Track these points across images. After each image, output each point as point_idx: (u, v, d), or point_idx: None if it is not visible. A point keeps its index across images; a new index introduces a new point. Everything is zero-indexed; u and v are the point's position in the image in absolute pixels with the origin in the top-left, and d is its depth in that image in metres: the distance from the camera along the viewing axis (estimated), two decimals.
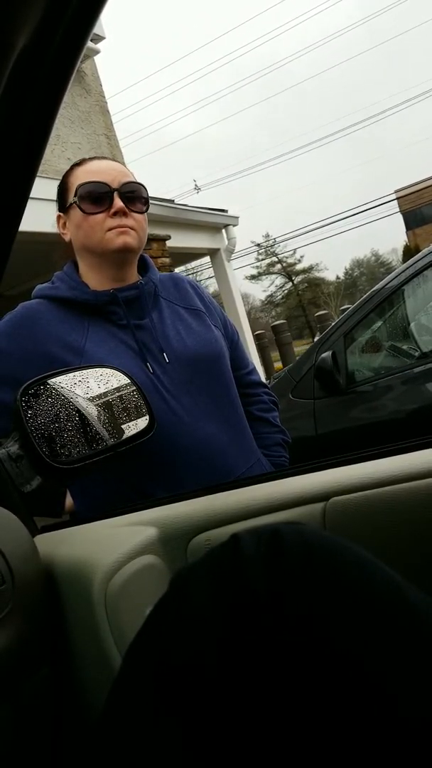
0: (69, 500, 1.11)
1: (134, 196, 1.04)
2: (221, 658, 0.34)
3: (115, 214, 1.01)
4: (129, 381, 0.79)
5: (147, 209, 1.07)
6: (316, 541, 0.38)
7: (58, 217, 1.09)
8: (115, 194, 1.01)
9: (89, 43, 0.42)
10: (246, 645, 0.34)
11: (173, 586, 0.41)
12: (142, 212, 1.05)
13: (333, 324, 2.72)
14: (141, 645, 0.40)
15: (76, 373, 0.74)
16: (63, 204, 1.07)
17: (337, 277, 44.56)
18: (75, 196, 1.02)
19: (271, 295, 39.75)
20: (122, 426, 0.74)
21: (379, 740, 0.29)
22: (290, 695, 0.32)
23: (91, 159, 1.08)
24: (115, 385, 0.77)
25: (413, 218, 30.87)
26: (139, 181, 1.06)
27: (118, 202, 1.01)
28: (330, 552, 0.37)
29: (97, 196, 1.01)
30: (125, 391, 0.77)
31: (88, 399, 0.72)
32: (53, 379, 0.70)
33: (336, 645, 0.32)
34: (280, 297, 39.66)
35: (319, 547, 0.37)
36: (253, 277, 37.94)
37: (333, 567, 0.36)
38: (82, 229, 1.03)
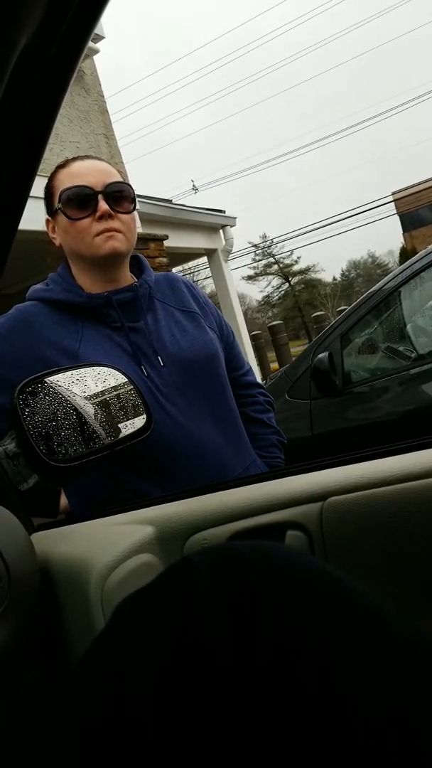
0: (64, 500, 1.11)
1: (120, 196, 1.01)
2: (157, 717, 0.30)
3: (101, 217, 0.99)
4: (126, 380, 0.78)
5: (134, 208, 1.05)
6: (283, 564, 0.34)
7: (47, 221, 1.07)
8: (99, 197, 0.99)
9: (89, 43, 0.42)
10: (195, 698, 0.30)
11: (116, 617, 0.37)
12: (129, 212, 1.03)
13: (330, 325, 2.73)
14: (77, 690, 0.36)
15: (74, 371, 0.74)
16: (50, 208, 1.05)
17: (334, 279, 44.71)
18: (59, 202, 1.00)
19: (267, 296, 39.89)
20: (119, 425, 0.74)
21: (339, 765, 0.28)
22: (253, 734, 0.29)
23: (73, 160, 1.05)
24: (113, 384, 0.77)
25: (410, 220, 30.93)
26: (123, 179, 1.04)
27: (103, 205, 0.99)
28: (301, 574, 0.34)
29: (81, 201, 0.99)
30: (122, 390, 0.77)
31: (86, 397, 0.72)
32: (51, 378, 0.70)
33: (310, 684, 0.29)
34: (276, 298, 39.78)
35: (288, 570, 0.34)
36: (250, 278, 38.03)
37: (307, 594, 0.32)
38: (70, 235, 1.01)
